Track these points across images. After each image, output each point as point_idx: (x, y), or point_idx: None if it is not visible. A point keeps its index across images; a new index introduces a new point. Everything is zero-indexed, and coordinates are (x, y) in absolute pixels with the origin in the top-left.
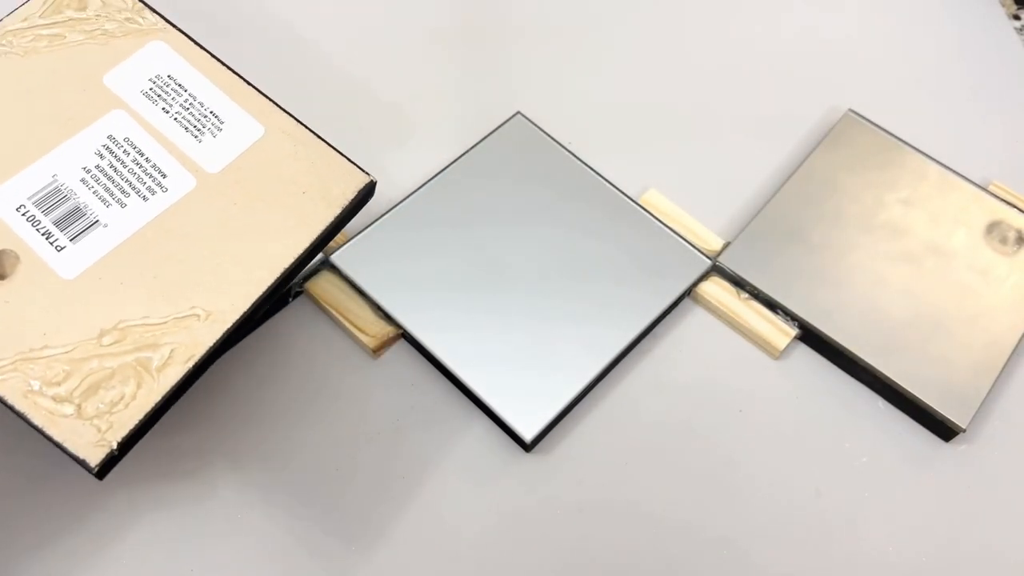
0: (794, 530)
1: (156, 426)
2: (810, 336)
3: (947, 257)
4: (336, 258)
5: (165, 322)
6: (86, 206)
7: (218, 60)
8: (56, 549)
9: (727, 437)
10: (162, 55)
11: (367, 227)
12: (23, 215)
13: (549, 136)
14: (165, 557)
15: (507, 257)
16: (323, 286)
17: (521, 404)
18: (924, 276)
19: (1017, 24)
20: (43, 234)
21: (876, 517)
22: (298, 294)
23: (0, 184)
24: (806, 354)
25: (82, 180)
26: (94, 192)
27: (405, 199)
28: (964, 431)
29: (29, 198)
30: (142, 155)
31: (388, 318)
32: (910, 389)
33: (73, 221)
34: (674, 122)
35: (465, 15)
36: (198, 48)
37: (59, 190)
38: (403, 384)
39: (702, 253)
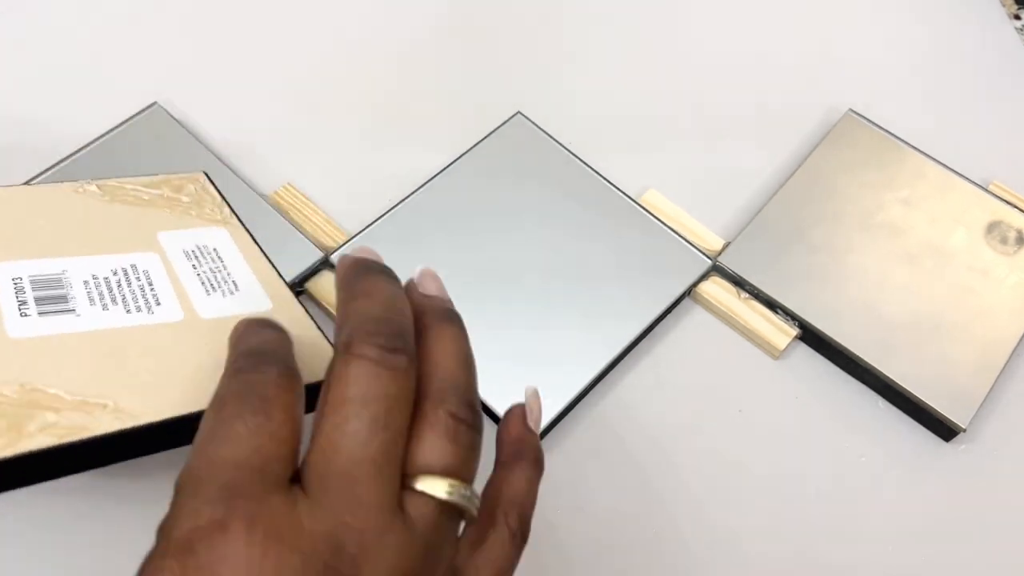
0: (793, 530)
1: None
2: (810, 336)
3: (947, 257)
4: (336, 258)
5: (72, 400)
6: (73, 299)
7: (269, 261)
8: (55, 554)
9: (727, 437)
10: (218, 237)
11: (367, 227)
12: (14, 283)
13: (549, 136)
14: None
15: (507, 257)
16: (323, 286)
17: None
18: (924, 276)
19: (1017, 24)
20: (19, 301)
21: (876, 517)
22: (299, 294)
23: (17, 260)
24: (806, 354)
25: (84, 281)
26: (87, 293)
27: (405, 199)
28: (964, 431)
29: (30, 275)
30: (150, 285)
31: None
32: (910, 389)
33: (52, 302)
34: (674, 122)
35: (465, 14)
36: (255, 245)
37: (59, 280)
38: None
39: (702, 253)
